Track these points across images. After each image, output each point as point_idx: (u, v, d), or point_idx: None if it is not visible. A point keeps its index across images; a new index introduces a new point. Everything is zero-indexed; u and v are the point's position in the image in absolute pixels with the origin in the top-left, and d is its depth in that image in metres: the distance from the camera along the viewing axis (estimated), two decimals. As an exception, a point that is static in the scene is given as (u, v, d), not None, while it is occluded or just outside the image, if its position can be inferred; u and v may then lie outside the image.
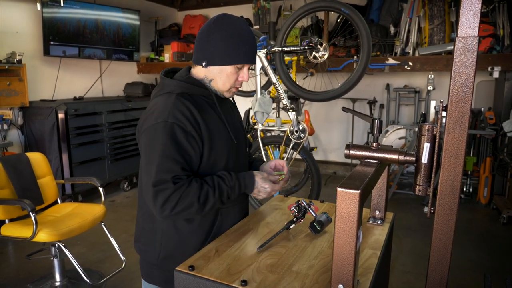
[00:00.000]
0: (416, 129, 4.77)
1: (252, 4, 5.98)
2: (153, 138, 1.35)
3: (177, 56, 6.29)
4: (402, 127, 5.15)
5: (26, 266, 3.34)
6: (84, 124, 4.83)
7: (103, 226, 3.07)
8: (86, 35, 5.31)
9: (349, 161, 6.23)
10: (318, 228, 1.47)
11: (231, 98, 1.68)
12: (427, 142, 1.18)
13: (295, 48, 3.37)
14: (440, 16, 4.89)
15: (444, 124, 1.07)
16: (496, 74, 4.47)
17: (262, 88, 3.68)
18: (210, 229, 1.49)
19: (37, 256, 3.10)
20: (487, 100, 5.27)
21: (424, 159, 1.19)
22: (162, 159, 1.32)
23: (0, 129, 4.34)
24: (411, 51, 5.04)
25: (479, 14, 0.97)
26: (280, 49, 3.37)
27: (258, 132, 3.81)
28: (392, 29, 5.26)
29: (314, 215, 1.52)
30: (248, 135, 4.15)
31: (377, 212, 1.62)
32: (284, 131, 3.72)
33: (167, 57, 6.53)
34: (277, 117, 3.92)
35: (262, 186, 1.48)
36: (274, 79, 3.47)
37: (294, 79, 3.78)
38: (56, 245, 2.82)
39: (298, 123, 3.46)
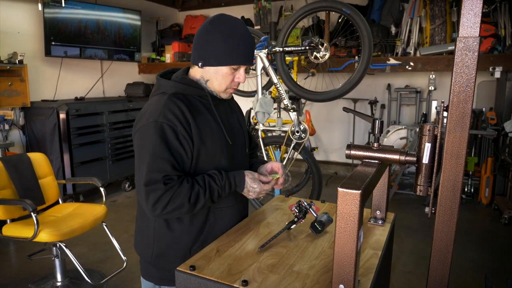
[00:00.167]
0: (417, 129, 4.76)
1: (253, 4, 5.99)
2: (144, 138, 1.37)
3: (178, 56, 6.29)
4: (403, 127, 5.15)
5: (27, 266, 3.35)
6: (85, 124, 4.84)
7: (104, 226, 3.08)
8: (87, 36, 5.32)
9: (350, 161, 6.23)
10: (319, 228, 1.47)
11: (233, 100, 1.68)
12: (428, 142, 1.17)
13: (296, 48, 3.37)
14: (441, 16, 4.89)
15: (445, 124, 1.07)
16: (497, 74, 4.47)
17: (263, 88, 3.68)
18: (201, 229, 1.49)
19: (39, 256, 3.11)
20: (489, 100, 5.26)
21: (425, 159, 1.19)
22: (152, 158, 1.34)
23: (2, 129, 4.34)
24: (412, 51, 5.04)
25: (480, 14, 0.97)
26: (281, 49, 3.38)
27: (259, 133, 3.82)
28: (393, 29, 5.26)
29: (315, 215, 1.52)
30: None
31: (378, 212, 1.62)
32: (285, 131, 3.72)
33: (168, 57, 6.54)
34: (278, 117, 3.92)
35: (251, 185, 1.48)
36: (275, 79, 3.47)
37: (295, 79, 3.78)
38: (58, 245, 2.83)
39: (299, 123, 3.46)
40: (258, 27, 5.79)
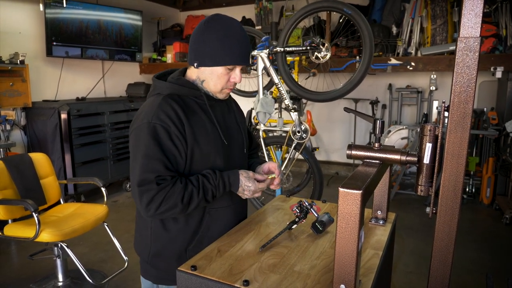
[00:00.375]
0: (418, 130, 4.76)
1: (254, 4, 5.99)
2: (138, 139, 1.38)
3: (179, 56, 6.30)
4: (404, 127, 5.15)
5: (29, 266, 3.35)
6: (87, 124, 4.84)
7: (106, 226, 3.08)
8: (88, 36, 5.32)
9: (351, 161, 6.23)
10: (320, 228, 1.48)
11: (231, 100, 1.68)
12: (429, 142, 1.18)
13: (297, 49, 3.37)
14: (442, 16, 4.88)
15: (446, 124, 1.07)
16: (498, 74, 4.46)
17: (264, 88, 3.68)
18: (197, 229, 1.50)
19: (40, 256, 3.11)
20: (490, 100, 5.26)
21: (426, 160, 1.19)
22: (145, 159, 1.34)
23: (3, 129, 4.35)
24: (413, 51, 5.04)
25: (481, 14, 0.97)
26: (282, 49, 3.38)
27: (260, 133, 3.82)
28: (394, 29, 5.25)
29: (316, 215, 1.52)
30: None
31: (379, 212, 1.62)
32: (286, 132, 3.72)
33: (169, 57, 6.54)
34: (279, 117, 3.92)
35: (246, 184, 1.47)
36: (276, 79, 3.47)
37: (296, 80, 3.78)
38: (59, 245, 2.83)
39: (300, 123, 3.46)
40: (259, 27, 5.80)
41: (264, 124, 3.71)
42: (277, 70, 3.50)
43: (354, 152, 1.30)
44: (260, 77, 3.59)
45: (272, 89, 4.04)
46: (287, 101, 3.47)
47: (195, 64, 1.45)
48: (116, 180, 5.35)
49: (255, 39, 4.64)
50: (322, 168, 3.78)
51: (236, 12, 6.42)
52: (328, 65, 3.74)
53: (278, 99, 3.92)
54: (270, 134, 4.29)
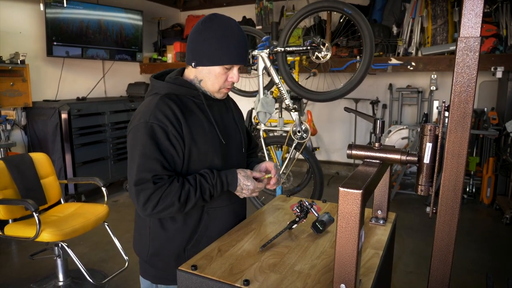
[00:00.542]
0: (419, 129, 4.77)
1: (254, 4, 5.99)
2: (135, 139, 1.38)
3: (179, 56, 6.30)
4: (404, 127, 5.15)
5: (29, 266, 3.36)
6: (87, 124, 4.85)
7: (106, 226, 3.08)
8: (89, 36, 5.32)
9: (351, 161, 6.23)
10: (321, 228, 1.48)
11: (229, 99, 1.68)
12: (429, 142, 1.18)
13: (298, 48, 3.37)
14: (443, 16, 4.88)
15: (446, 124, 1.07)
16: (499, 74, 4.46)
17: (264, 88, 3.68)
18: (195, 228, 1.49)
19: (41, 256, 3.11)
20: (490, 100, 5.26)
21: (426, 159, 1.19)
22: (142, 158, 1.35)
23: (4, 129, 4.35)
24: (414, 51, 5.04)
25: (481, 14, 0.97)
26: (282, 49, 3.38)
27: (261, 132, 3.82)
28: (394, 29, 5.25)
29: (317, 215, 1.52)
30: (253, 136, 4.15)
31: (379, 212, 1.62)
32: (286, 131, 3.72)
33: (169, 57, 6.55)
34: (279, 117, 3.93)
35: (244, 183, 1.47)
36: (276, 79, 3.47)
37: (296, 79, 3.78)
38: (59, 245, 2.83)
39: (301, 123, 3.47)
40: (260, 27, 5.80)
41: (264, 124, 3.71)
42: (277, 70, 3.50)
43: (354, 152, 1.30)
44: (261, 77, 3.59)
45: (272, 89, 4.05)
46: (288, 101, 3.47)
47: (193, 64, 1.45)
48: (117, 180, 5.35)
49: (256, 39, 4.64)
50: (322, 168, 3.78)
51: (237, 12, 6.42)
52: (329, 65, 3.74)
53: (279, 99, 3.93)
54: (271, 134, 4.29)
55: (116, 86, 6.15)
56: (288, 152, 3.65)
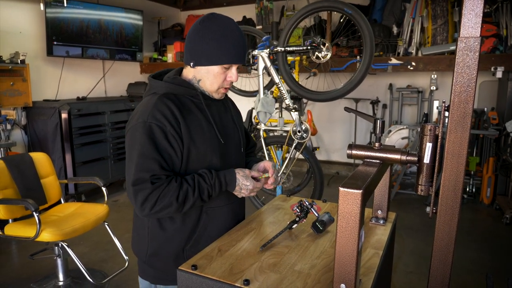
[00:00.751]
0: (419, 129, 4.77)
1: (255, 4, 5.99)
2: (134, 138, 1.38)
3: (180, 56, 6.31)
4: (404, 127, 5.15)
5: (29, 265, 3.36)
6: (87, 124, 4.85)
7: (106, 226, 3.08)
8: (89, 35, 5.33)
9: (351, 161, 6.23)
10: (321, 228, 1.48)
11: (227, 99, 1.68)
12: (430, 142, 1.18)
13: (298, 48, 3.37)
14: (443, 16, 4.88)
15: (446, 124, 1.07)
16: (499, 74, 4.46)
17: (265, 88, 3.68)
18: (194, 228, 1.49)
19: (41, 255, 3.12)
20: (490, 100, 5.26)
21: (426, 159, 1.19)
22: (140, 158, 1.34)
23: (4, 129, 4.35)
24: (414, 51, 5.04)
25: (481, 14, 0.97)
26: (283, 49, 3.38)
27: (261, 132, 3.82)
28: (395, 29, 5.25)
29: (317, 215, 1.52)
30: (251, 135, 4.16)
31: (379, 212, 1.62)
32: (286, 131, 3.72)
33: (170, 57, 6.55)
34: (279, 117, 3.93)
35: (243, 183, 1.47)
36: (276, 79, 3.47)
37: (296, 79, 3.78)
38: (60, 244, 2.83)
39: (301, 123, 3.47)
40: (260, 27, 5.80)
41: (264, 124, 3.72)
42: (277, 70, 3.50)
43: (354, 152, 1.30)
44: (261, 76, 3.59)
45: (272, 89, 4.05)
46: (288, 101, 3.47)
47: (191, 64, 1.45)
48: (117, 179, 5.35)
49: (256, 39, 4.64)
50: (322, 168, 3.78)
51: (237, 12, 6.43)
52: (329, 65, 3.74)
53: (279, 99, 3.93)
54: (271, 134, 4.30)
55: (116, 86, 6.15)
56: (288, 152, 3.65)
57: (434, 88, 5.17)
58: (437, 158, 1.16)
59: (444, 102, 1.09)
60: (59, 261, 2.92)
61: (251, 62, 3.67)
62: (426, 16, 4.97)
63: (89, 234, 3.42)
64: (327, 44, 3.27)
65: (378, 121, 1.26)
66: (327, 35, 5.33)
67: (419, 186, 1.22)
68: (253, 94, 4.28)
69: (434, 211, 1.14)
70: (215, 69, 1.44)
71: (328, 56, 3.29)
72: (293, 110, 3.44)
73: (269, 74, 3.53)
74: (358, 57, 5.02)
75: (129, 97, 5.80)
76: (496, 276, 2.67)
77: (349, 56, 5.26)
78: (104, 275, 3.16)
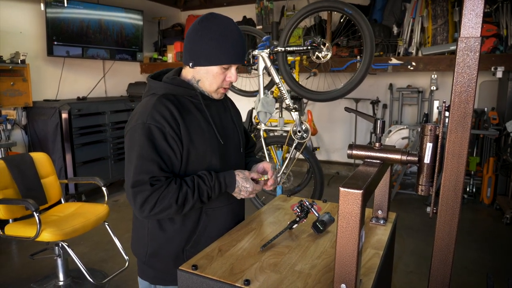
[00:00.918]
0: (419, 129, 4.77)
1: (255, 4, 5.99)
2: (133, 140, 1.37)
3: (180, 56, 6.30)
4: (405, 127, 5.15)
5: (29, 265, 3.36)
6: (88, 124, 4.85)
7: (107, 226, 3.08)
8: (89, 35, 5.33)
9: (352, 161, 6.23)
10: (321, 228, 1.48)
11: (227, 99, 1.67)
12: (430, 142, 1.18)
13: (298, 48, 3.37)
14: (443, 16, 4.88)
15: (446, 124, 1.07)
16: (499, 74, 4.46)
17: (265, 88, 3.68)
18: (194, 229, 1.49)
19: (41, 255, 3.12)
20: (491, 100, 5.26)
21: (427, 159, 1.19)
22: (139, 160, 1.34)
23: (4, 129, 4.35)
24: (414, 51, 5.04)
25: (481, 14, 0.97)
26: (283, 49, 3.38)
27: (261, 132, 3.82)
28: (395, 29, 5.25)
29: (317, 215, 1.52)
30: (251, 135, 4.16)
31: (379, 212, 1.62)
32: (287, 131, 3.73)
33: (170, 57, 6.55)
34: (280, 117, 3.93)
35: (242, 185, 1.46)
36: (277, 79, 3.47)
37: (297, 79, 3.78)
38: (60, 244, 2.83)
39: (301, 123, 3.47)
40: (260, 27, 5.80)
41: (265, 124, 3.72)
42: (278, 70, 3.50)
43: (355, 152, 1.30)
44: (261, 76, 3.59)
45: (273, 89, 4.05)
46: (288, 101, 3.47)
47: (190, 64, 1.44)
48: (117, 179, 5.35)
49: (256, 39, 4.64)
50: (322, 168, 3.78)
51: (237, 12, 6.43)
52: (329, 65, 3.74)
53: (279, 99, 3.93)
54: (271, 134, 4.30)
55: (117, 86, 6.15)
56: (289, 152, 3.65)
57: (434, 88, 5.17)
58: (437, 158, 1.16)
59: (444, 102, 1.08)
60: (59, 261, 2.92)
61: (251, 62, 3.67)
62: (426, 16, 4.97)
63: (89, 234, 3.42)
64: (327, 44, 3.27)
65: (379, 121, 1.26)
66: (327, 35, 5.33)
67: (420, 186, 1.22)
68: (253, 94, 4.28)
69: (435, 211, 1.14)
70: (214, 69, 1.43)
71: (328, 56, 3.29)
72: (293, 110, 3.44)
73: (269, 74, 3.53)
74: (358, 57, 5.02)
75: (129, 97, 5.80)
76: (496, 276, 2.67)
77: (349, 56, 5.26)
78: (104, 275, 3.16)
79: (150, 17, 6.58)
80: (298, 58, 4.07)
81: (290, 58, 3.91)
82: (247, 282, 1.15)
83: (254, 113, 4.73)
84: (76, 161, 4.69)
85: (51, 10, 4.80)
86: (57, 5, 4.83)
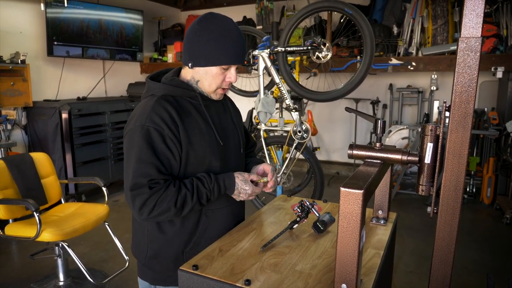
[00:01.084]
0: (419, 129, 4.76)
1: (255, 4, 5.99)
2: (131, 142, 1.36)
3: (180, 56, 6.30)
4: (405, 127, 5.15)
5: (29, 265, 3.36)
6: (88, 124, 4.85)
7: (107, 226, 3.08)
8: (89, 35, 5.33)
9: (352, 161, 6.23)
10: (321, 228, 1.48)
11: (226, 99, 1.66)
12: (430, 142, 1.18)
13: (298, 48, 3.37)
14: (443, 16, 4.88)
15: (447, 124, 1.07)
16: (499, 74, 4.46)
17: (265, 88, 3.68)
18: (193, 230, 1.48)
19: (41, 255, 3.12)
20: (491, 100, 5.26)
21: (427, 159, 1.19)
22: (138, 163, 1.33)
23: (4, 129, 4.35)
24: (414, 51, 5.04)
25: (482, 15, 0.97)
26: (283, 49, 3.38)
27: (261, 132, 3.82)
28: (395, 29, 5.26)
29: (317, 215, 1.52)
30: (251, 135, 4.16)
31: (380, 212, 1.62)
32: (287, 131, 3.72)
33: (170, 57, 6.55)
34: (280, 117, 3.93)
35: (242, 187, 1.46)
36: (277, 79, 3.47)
37: (297, 79, 3.78)
38: (60, 244, 2.83)
39: (301, 123, 3.47)
40: (260, 27, 5.80)
41: (265, 124, 3.72)
42: (278, 70, 3.50)
43: (355, 152, 1.30)
44: (261, 77, 3.59)
45: (273, 89, 4.05)
46: (288, 101, 3.47)
47: (190, 64, 1.43)
48: (117, 179, 5.35)
49: (256, 39, 4.64)
50: (323, 168, 3.78)
51: (237, 12, 6.43)
52: (329, 65, 3.74)
53: (279, 99, 3.93)
54: (271, 134, 4.30)
55: (117, 86, 6.15)
56: (289, 152, 3.65)
57: (434, 88, 5.17)
58: (438, 158, 1.16)
59: (445, 102, 1.08)
60: (59, 261, 2.92)
61: (251, 62, 3.67)
62: (427, 16, 4.97)
63: (90, 234, 3.42)
64: (327, 44, 3.27)
65: (379, 121, 1.26)
66: (327, 35, 5.33)
67: (420, 186, 1.22)
68: (253, 94, 4.28)
69: (435, 211, 1.14)
70: (214, 69, 1.42)
71: (329, 56, 3.29)
72: (294, 110, 3.44)
73: (269, 74, 3.53)
74: (358, 57, 5.02)
75: (129, 97, 5.80)
76: (496, 276, 2.67)
77: (350, 56, 5.26)
78: (105, 275, 3.16)
79: (150, 17, 6.58)
80: (298, 58, 4.07)
81: (290, 58, 3.91)
82: (248, 282, 1.15)
83: (254, 113, 4.73)
84: (76, 161, 4.69)
85: (51, 10, 4.80)
86: (57, 5, 4.83)
